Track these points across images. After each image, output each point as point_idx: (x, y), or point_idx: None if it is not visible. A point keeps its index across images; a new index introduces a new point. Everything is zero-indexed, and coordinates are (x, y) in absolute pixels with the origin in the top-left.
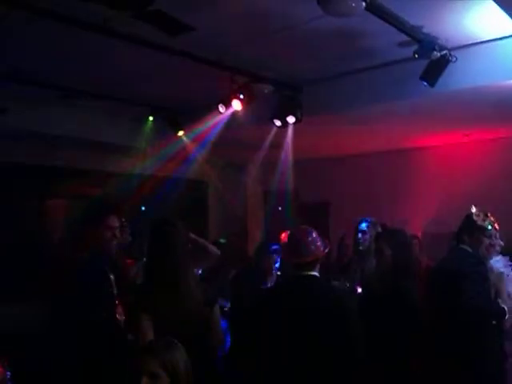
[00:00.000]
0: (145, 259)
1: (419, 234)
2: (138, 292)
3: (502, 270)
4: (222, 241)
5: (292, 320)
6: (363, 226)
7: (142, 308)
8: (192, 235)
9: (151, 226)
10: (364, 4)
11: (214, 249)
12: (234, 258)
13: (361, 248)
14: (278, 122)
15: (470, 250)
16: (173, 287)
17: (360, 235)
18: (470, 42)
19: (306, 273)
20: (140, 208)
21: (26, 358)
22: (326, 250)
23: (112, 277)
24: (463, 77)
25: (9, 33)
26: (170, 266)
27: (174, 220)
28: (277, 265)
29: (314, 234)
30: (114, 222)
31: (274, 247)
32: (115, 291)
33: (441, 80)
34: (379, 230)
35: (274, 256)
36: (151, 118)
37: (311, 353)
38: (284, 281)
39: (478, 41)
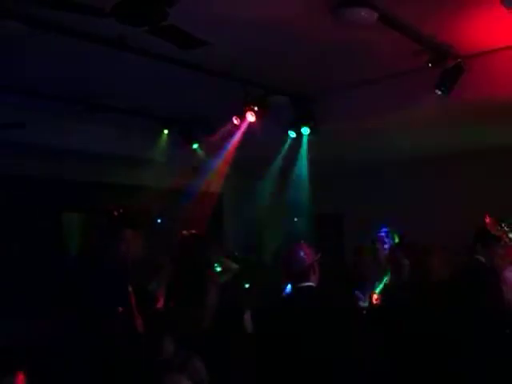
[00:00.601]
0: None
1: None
2: (161, 309)
3: None
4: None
5: (289, 331)
6: (382, 235)
7: (166, 327)
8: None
9: (180, 240)
10: (376, 14)
11: (233, 265)
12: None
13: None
14: (292, 134)
15: (483, 260)
16: (197, 304)
17: (386, 245)
18: (484, 50)
19: (302, 284)
20: (156, 221)
21: (41, 371)
22: (316, 258)
23: (130, 289)
24: (477, 85)
25: (25, 49)
26: (195, 283)
27: (204, 236)
28: None
29: (303, 247)
30: (129, 235)
31: None
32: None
33: (455, 89)
34: (396, 240)
35: None
36: (166, 131)
37: (308, 366)
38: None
39: (492, 48)
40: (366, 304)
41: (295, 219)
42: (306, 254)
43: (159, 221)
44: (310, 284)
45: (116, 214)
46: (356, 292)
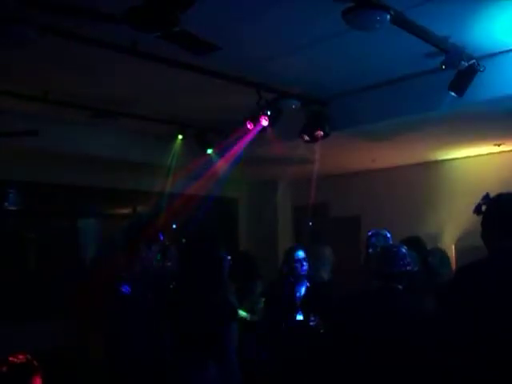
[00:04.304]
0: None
1: (452, 248)
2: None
3: None
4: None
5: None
6: (373, 240)
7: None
8: None
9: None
10: (389, 17)
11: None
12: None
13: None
14: (306, 137)
15: None
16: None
17: (371, 250)
18: (498, 51)
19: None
20: (171, 226)
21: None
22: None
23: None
24: (492, 86)
25: (39, 56)
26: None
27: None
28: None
29: (404, 250)
30: (143, 251)
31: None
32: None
33: (469, 90)
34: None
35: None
36: (180, 137)
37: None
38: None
39: (506, 49)
40: None
41: (310, 223)
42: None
43: (174, 226)
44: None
45: (131, 232)
46: None
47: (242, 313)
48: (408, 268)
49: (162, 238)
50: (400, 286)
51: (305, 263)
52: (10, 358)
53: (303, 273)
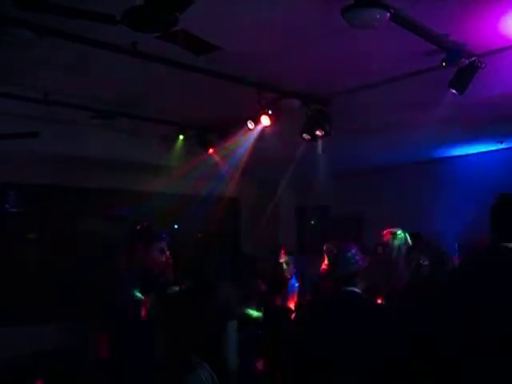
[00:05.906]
0: None
1: (455, 246)
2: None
3: None
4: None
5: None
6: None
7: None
8: None
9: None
10: (388, 15)
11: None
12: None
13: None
14: (306, 136)
15: None
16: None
17: (380, 248)
18: (499, 48)
19: (346, 288)
20: (173, 226)
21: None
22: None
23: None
24: (493, 83)
25: (39, 57)
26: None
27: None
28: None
29: (354, 250)
30: (140, 249)
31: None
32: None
33: (470, 87)
34: (403, 241)
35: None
36: (181, 137)
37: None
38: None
39: (507, 45)
40: None
41: (312, 222)
42: (357, 258)
43: (176, 226)
44: (355, 290)
45: (130, 229)
46: None
47: (254, 312)
48: (352, 268)
49: (164, 236)
50: (355, 289)
51: (286, 266)
52: (12, 358)
53: (289, 276)
